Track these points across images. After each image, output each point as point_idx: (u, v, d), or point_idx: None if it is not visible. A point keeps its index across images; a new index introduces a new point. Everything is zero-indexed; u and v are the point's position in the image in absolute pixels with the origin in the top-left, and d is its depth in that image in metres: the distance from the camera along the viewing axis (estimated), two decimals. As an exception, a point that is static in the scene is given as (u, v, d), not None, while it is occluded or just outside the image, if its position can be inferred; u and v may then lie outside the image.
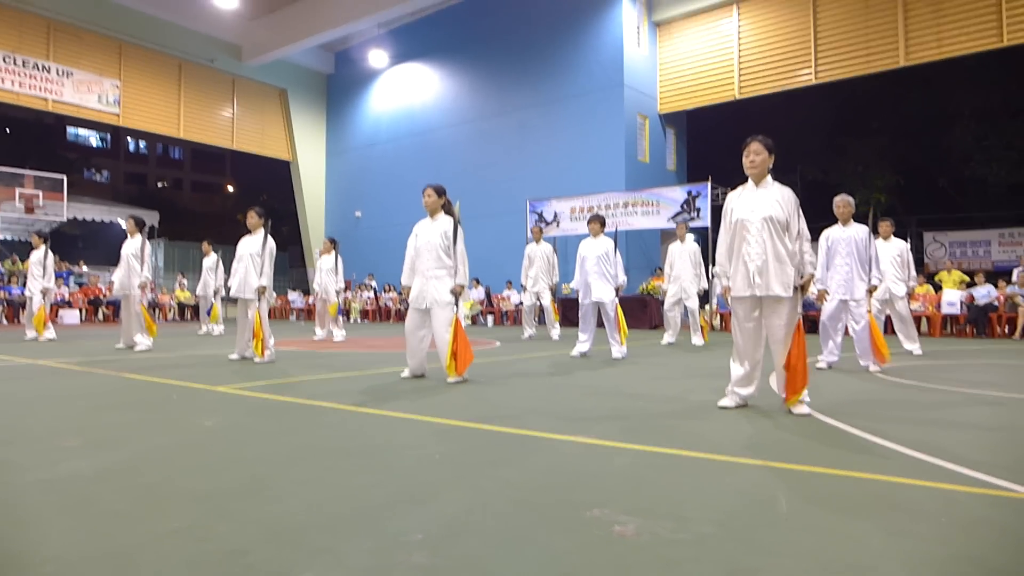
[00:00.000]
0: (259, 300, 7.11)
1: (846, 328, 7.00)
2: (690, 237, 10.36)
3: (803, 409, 4.04)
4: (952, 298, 12.91)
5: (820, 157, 22.73)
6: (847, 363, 7.10)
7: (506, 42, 19.61)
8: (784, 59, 16.18)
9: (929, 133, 21.83)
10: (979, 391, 5.21)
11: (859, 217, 6.99)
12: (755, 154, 4.22)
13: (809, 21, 15.77)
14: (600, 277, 7.89)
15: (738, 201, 4.31)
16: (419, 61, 22.01)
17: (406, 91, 22.42)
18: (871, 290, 6.74)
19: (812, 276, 4.18)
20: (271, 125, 23.94)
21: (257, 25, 21.40)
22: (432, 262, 5.67)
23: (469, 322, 17.78)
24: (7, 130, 34.91)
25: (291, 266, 30.98)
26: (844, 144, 22.42)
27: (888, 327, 9.60)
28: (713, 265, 14.87)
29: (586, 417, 4.03)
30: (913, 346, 8.47)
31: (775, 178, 4.29)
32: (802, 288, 4.15)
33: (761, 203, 4.17)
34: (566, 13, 18.27)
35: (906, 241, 8.69)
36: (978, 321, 12.58)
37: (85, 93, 18.80)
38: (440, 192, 5.87)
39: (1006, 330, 12.64)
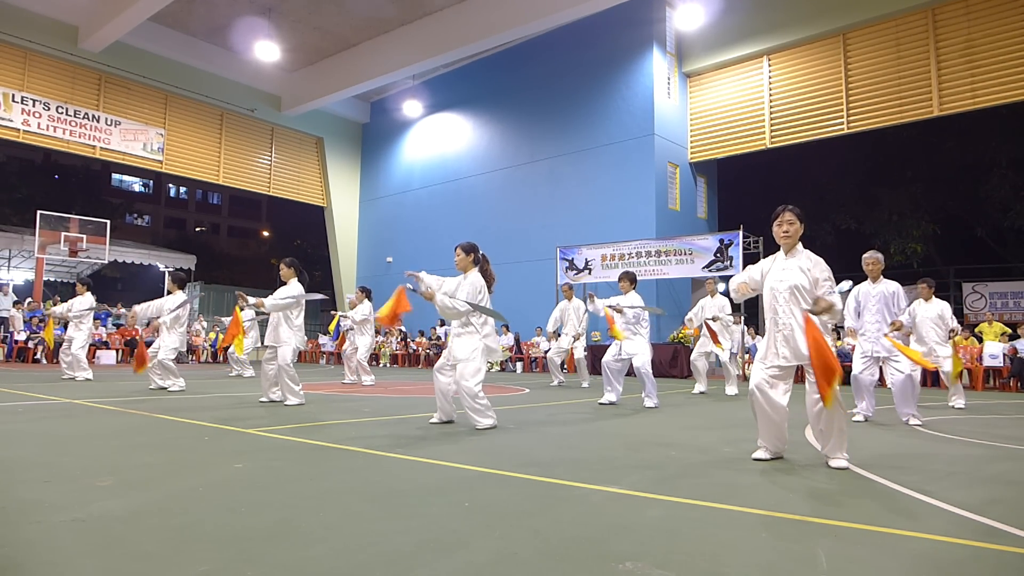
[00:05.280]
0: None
1: (880, 381, 6.83)
2: (719, 290, 10.31)
3: (841, 463, 3.93)
4: (994, 350, 12.57)
5: (853, 206, 22.47)
6: (884, 416, 6.92)
7: (538, 93, 19.97)
8: (816, 108, 16.18)
9: (965, 182, 21.48)
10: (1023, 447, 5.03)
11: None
12: (788, 224, 4.20)
13: (841, 71, 15.79)
14: (633, 334, 7.85)
15: (770, 268, 4.29)
16: (452, 111, 22.49)
17: (439, 140, 22.87)
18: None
19: (830, 304, 3.92)
20: (307, 172, 24.51)
21: (297, 77, 22.17)
22: (459, 320, 5.70)
23: (498, 368, 17.73)
24: (56, 176, 36.23)
25: (322, 310, 31.30)
26: (878, 193, 22.14)
27: (927, 380, 9.35)
28: (738, 313, 14.77)
29: (617, 466, 3.96)
30: (957, 400, 8.20)
31: (808, 229, 4.27)
32: (813, 310, 3.93)
33: (790, 272, 4.15)
34: (597, 65, 18.58)
35: (946, 294, 8.43)
36: (1022, 374, 12.20)
37: (131, 141, 19.48)
38: (468, 250, 5.83)
39: (1052, 384, 12.24)
